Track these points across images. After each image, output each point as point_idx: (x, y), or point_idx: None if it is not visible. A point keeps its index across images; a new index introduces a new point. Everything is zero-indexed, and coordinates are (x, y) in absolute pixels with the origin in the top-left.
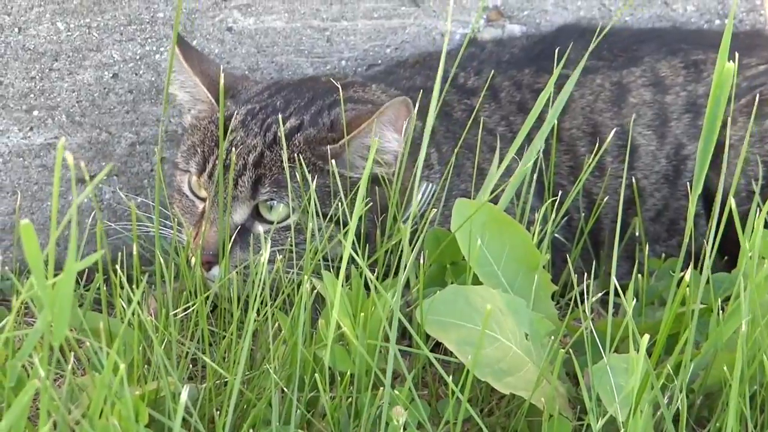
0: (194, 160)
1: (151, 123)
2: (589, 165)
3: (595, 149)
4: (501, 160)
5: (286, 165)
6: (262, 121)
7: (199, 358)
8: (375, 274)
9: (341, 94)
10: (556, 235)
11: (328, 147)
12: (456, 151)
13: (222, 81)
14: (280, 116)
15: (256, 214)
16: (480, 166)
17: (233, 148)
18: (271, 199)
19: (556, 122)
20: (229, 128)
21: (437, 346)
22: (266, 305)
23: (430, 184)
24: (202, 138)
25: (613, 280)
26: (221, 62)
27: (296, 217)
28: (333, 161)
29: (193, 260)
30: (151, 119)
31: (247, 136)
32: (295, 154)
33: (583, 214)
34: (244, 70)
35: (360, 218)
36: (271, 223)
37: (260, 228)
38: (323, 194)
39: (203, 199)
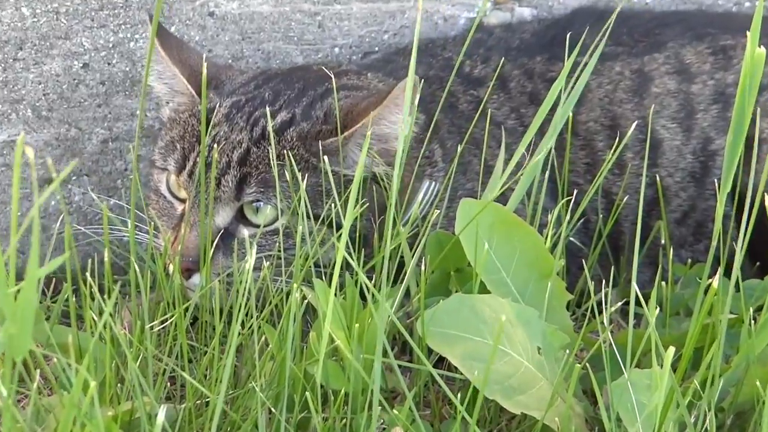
0: (173, 157)
1: (126, 117)
2: (608, 161)
3: (615, 144)
4: (510, 156)
5: (273, 162)
6: (248, 114)
7: (178, 375)
8: (372, 281)
9: (334, 82)
10: (572, 238)
11: (324, 142)
12: (461, 146)
13: (204, 71)
14: (268, 109)
15: (240, 217)
16: (488, 163)
17: (215, 144)
18: (258, 200)
19: (571, 114)
20: (212, 122)
21: (441, 361)
22: (251, 317)
23: (433, 183)
24: (181, 133)
25: (634, 287)
26: (202, 50)
27: (285, 220)
28: (325, 158)
29: (170, 268)
30: (126, 113)
31: (231, 131)
32: (285, 151)
33: (601, 216)
34: (227, 58)
35: (355, 219)
36: (257, 226)
37: (245, 232)
38: (315, 194)
39: (183, 201)
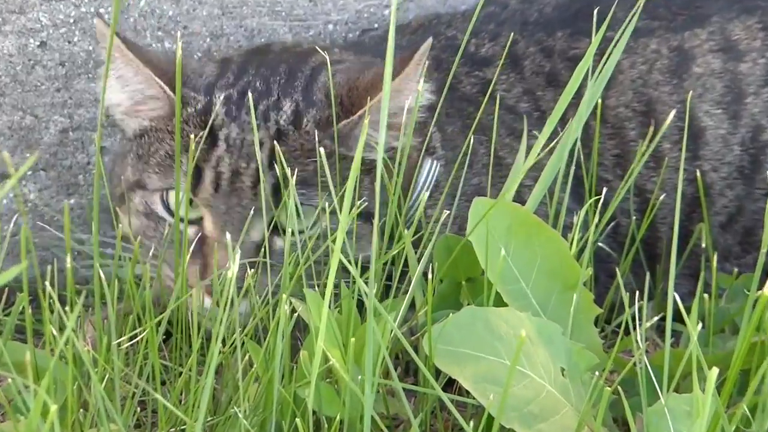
0: (181, 174)
1: (88, 104)
2: (642, 154)
3: (649, 133)
4: (530, 147)
5: (321, 154)
6: (254, 108)
7: (150, 399)
8: (376, 290)
9: (316, 59)
10: (600, 244)
11: (338, 126)
12: (463, 134)
13: (180, 62)
14: (272, 99)
15: (273, 228)
16: (497, 153)
17: (231, 150)
18: (301, 203)
19: (599, 99)
20: (212, 124)
21: (450, 384)
22: (233, 332)
23: (435, 162)
24: (182, 146)
25: (673, 299)
26: (176, 27)
27: (326, 222)
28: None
29: (204, 301)
30: (88, 99)
31: (243, 131)
32: (312, 143)
33: (634, 218)
34: (205, 36)
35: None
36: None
37: (281, 243)
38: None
39: (192, 222)
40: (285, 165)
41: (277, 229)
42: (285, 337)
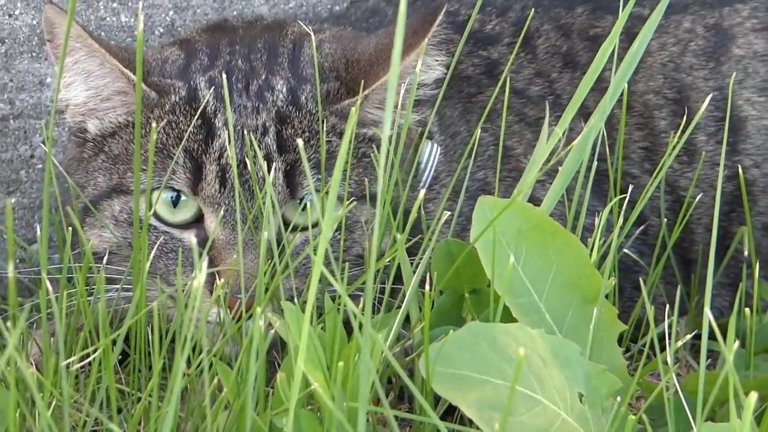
0: (172, 170)
1: (32, 87)
2: (674, 146)
3: (682, 124)
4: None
5: (323, 134)
6: (245, 89)
7: (104, 428)
8: (360, 306)
9: (289, 30)
10: (626, 250)
11: (341, 105)
12: (479, 124)
13: (141, 36)
14: (261, 79)
15: (282, 222)
16: (504, 142)
17: (232, 137)
18: (311, 192)
19: (625, 85)
20: (200, 112)
21: (450, 412)
22: (200, 352)
23: (436, 146)
24: (172, 138)
25: (708, 315)
26: None
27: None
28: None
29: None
30: (32, 82)
31: (241, 116)
32: (318, 122)
33: (665, 219)
34: (167, 8)
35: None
36: (305, 229)
37: (295, 238)
38: (367, 169)
39: (185, 227)
40: (296, 149)
41: (287, 224)
42: (260, 358)
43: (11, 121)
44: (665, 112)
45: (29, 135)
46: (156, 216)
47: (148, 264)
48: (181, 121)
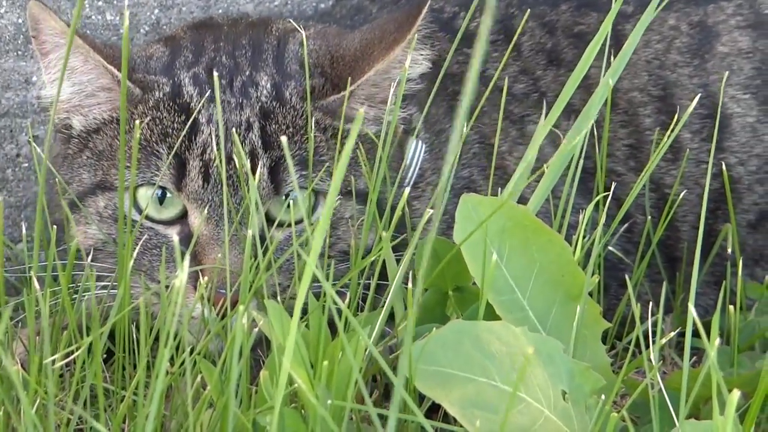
0: (155, 166)
1: (18, 86)
2: (662, 146)
3: (672, 123)
4: (521, 134)
5: (311, 129)
6: (229, 85)
7: (88, 426)
8: (347, 302)
9: (275, 27)
10: (610, 247)
11: (326, 101)
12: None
13: (126, 32)
14: (245, 75)
15: (266, 219)
16: (489, 141)
17: (216, 133)
18: (299, 188)
19: (609, 83)
20: (186, 107)
21: (434, 410)
22: (183, 351)
23: (421, 143)
24: (156, 135)
25: (692, 312)
26: None
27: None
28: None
29: (197, 307)
30: (17, 80)
31: (225, 111)
32: (305, 118)
33: (650, 217)
34: (153, 6)
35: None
36: (289, 225)
37: (278, 234)
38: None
39: (170, 223)
40: (279, 144)
41: (271, 221)
42: (243, 356)
43: None
44: (650, 110)
45: (15, 134)
46: (140, 212)
47: (132, 261)
48: (165, 117)
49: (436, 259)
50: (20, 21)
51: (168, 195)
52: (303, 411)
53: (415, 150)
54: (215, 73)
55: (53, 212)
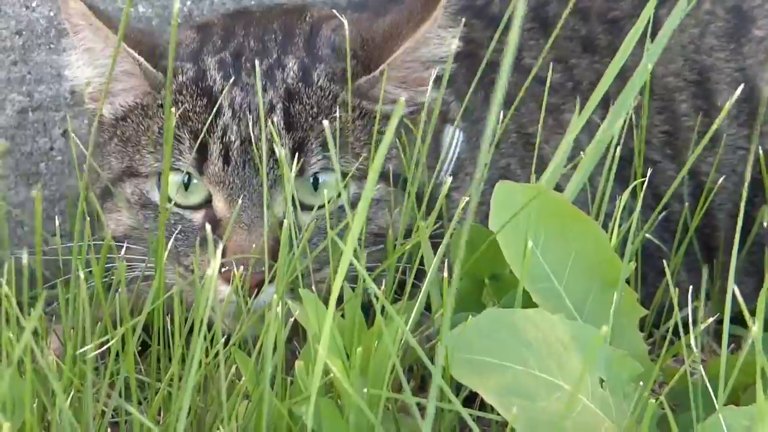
0: (178, 151)
1: (50, 79)
2: (705, 139)
3: (716, 116)
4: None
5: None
6: (254, 68)
7: (123, 419)
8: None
9: (310, 15)
10: (647, 235)
11: (358, 82)
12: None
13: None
14: (273, 58)
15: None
16: (525, 130)
17: (238, 116)
18: (324, 169)
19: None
20: (210, 91)
21: (470, 399)
22: (217, 341)
23: (459, 132)
24: (180, 120)
25: (736, 293)
26: None
27: (355, 190)
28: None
29: (221, 290)
30: (50, 74)
31: (248, 94)
32: (330, 100)
33: (687, 204)
34: None
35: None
36: (314, 208)
37: (306, 219)
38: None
39: (196, 208)
40: (306, 126)
41: (299, 203)
42: (278, 349)
43: (30, 113)
44: (686, 95)
45: (48, 127)
46: (168, 199)
47: (167, 249)
48: (187, 102)
49: (472, 247)
50: (52, 14)
51: (193, 180)
52: (339, 401)
53: (453, 139)
54: (212, 60)
55: (90, 202)
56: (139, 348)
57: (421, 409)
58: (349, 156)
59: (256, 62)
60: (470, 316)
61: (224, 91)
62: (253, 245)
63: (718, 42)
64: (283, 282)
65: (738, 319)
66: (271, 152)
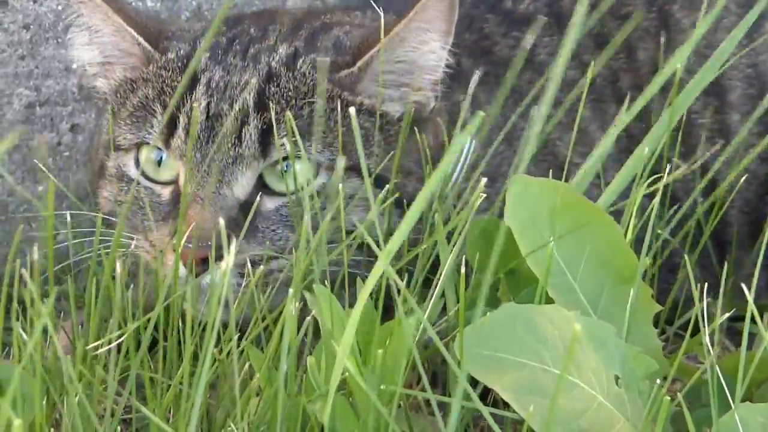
0: (150, 124)
1: (58, 74)
2: (710, 131)
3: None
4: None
5: (322, 98)
6: (242, 52)
7: (133, 416)
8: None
9: (329, 17)
10: (660, 231)
11: (339, 74)
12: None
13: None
14: (267, 44)
15: (260, 185)
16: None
17: (214, 92)
18: (288, 155)
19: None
20: (191, 70)
21: (484, 396)
22: (230, 337)
23: (472, 140)
24: (155, 92)
25: (755, 286)
26: None
27: (325, 179)
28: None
29: (167, 264)
30: (57, 68)
31: (228, 73)
32: (307, 86)
33: (700, 199)
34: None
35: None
36: (283, 195)
37: (270, 204)
38: (349, 140)
39: (168, 183)
40: (279, 109)
41: (267, 188)
42: (292, 343)
43: (37, 108)
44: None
45: (55, 122)
46: (142, 172)
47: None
48: (167, 77)
49: (486, 240)
50: (59, 8)
51: (164, 155)
52: (351, 398)
53: (464, 148)
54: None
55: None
56: (149, 343)
57: (438, 405)
58: (320, 145)
59: (250, 46)
60: (487, 312)
61: (206, 71)
62: (206, 221)
63: None
64: (299, 279)
65: (754, 315)
66: (238, 132)
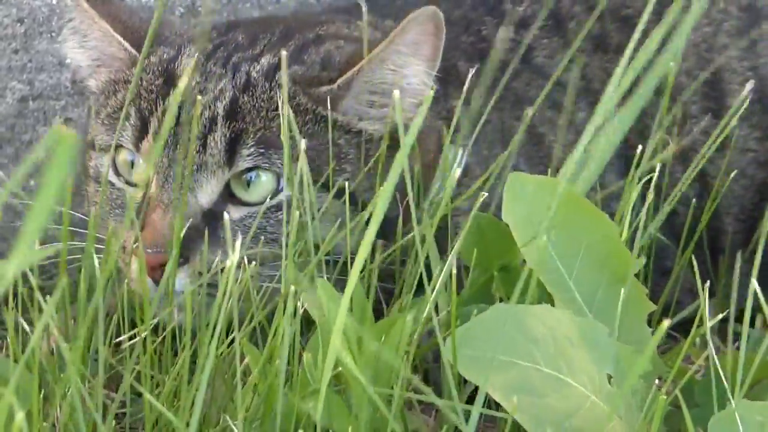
0: (125, 127)
1: (51, 68)
2: (716, 139)
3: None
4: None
5: (286, 109)
6: (223, 60)
7: (129, 410)
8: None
9: (324, 29)
10: (657, 234)
11: (318, 90)
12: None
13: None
14: (252, 53)
15: (227, 194)
16: (537, 130)
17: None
18: (255, 167)
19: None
20: (171, 72)
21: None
22: (228, 333)
23: (461, 151)
24: (134, 94)
25: (754, 286)
26: None
27: (290, 192)
28: (330, 110)
29: (132, 268)
30: (51, 62)
31: (206, 80)
32: (289, 98)
33: (693, 201)
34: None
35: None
36: (249, 205)
37: (235, 214)
38: (326, 156)
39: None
40: (249, 119)
41: (234, 198)
42: (287, 339)
43: (30, 102)
44: (698, 95)
45: (48, 116)
46: (116, 173)
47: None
48: (146, 80)
49: (481, 237)
50: (54, 2)
51: (136, 157)
52: (345, 395)
53: (454, 159)
54: (193, 48)
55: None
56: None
57: (428, 405)
58: (288, 159)
59: (233, 54)
60: (480, 309)
61: (180, 74)
62: (165, 227)
63: (731, 41)
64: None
65: (738, 318)
66: (203, 139)
